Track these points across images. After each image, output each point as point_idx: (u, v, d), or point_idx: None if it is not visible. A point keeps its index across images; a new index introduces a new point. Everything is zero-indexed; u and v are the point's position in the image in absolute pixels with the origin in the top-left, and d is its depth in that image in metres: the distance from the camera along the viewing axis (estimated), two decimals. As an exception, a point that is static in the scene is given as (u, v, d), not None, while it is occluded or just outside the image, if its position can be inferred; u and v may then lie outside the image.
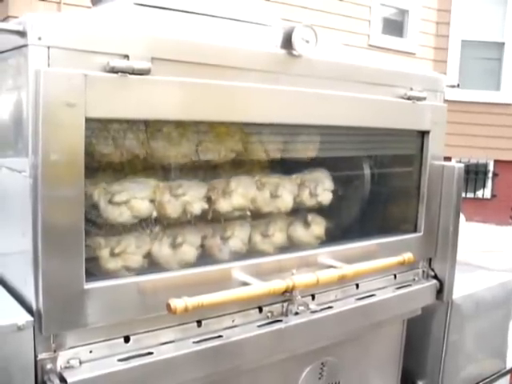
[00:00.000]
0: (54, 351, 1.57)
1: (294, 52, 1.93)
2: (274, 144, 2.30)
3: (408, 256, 2.33)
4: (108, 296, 1.64)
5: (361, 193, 2.68)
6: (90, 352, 1.65)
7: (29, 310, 1.55)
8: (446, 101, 2.59)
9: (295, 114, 2.01)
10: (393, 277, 2.52)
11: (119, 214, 1.84)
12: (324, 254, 2.19)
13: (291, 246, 2.35)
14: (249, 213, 2.22)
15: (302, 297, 2.04)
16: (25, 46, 1.44)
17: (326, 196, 2.46)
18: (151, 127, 1.92)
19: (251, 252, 2.22)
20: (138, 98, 1.60)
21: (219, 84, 1.77)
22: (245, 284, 1.87)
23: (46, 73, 1.44)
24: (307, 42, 1.93)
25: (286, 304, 2.05)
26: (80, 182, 1.52)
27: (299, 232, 2.37)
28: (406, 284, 2.56)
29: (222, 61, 1.80)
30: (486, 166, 11.22)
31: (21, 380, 1.49)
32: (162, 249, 1.97)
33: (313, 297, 2.18)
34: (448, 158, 9.79)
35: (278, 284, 1.89)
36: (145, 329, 1.75)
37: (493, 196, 11.24)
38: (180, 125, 1.95)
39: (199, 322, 1.86)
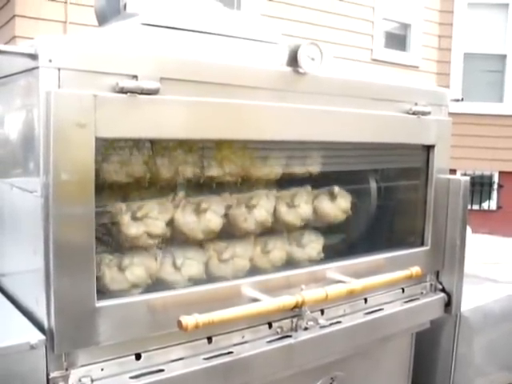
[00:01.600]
0: (66, 369, 1.58)
1: (300, 70, 1.95)
2: (281, 160, 2.32)
3: (416, 270, 2.34)
4: (119, 314, 1.65)
5: (368, 207, 2.69)
6: (102, 370, 1.66)
7: (41, 328, 1.56)
8: (449, 113, 2.61)
9: (302, 130, 2.03)
10: (401, 290, 2.53)
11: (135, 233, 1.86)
12: (332, 269, 2.19)
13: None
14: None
15: (311, 312, 2.05)
16: (36, 68, 1.46)
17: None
18: (160, 147, 1.94)
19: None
20: (147, 118, 1.62)
21: (227, 102, 1.79)
22: (254, 300, 1.88)
23: (57, 94, 1.46)
24: (313, 59, 1.95)
25: (295, 319, 2.05)
26: (90, 200, 1.54)
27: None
28: (413, 297, 2.57)
29: (230, 80, 1.82)
30: (490, 177, 11.20)
31: (33, 398, 1.50)
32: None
33: (322, 312, 2.18)
34: (453, 171, 9.80)
35: (287, 300, 1.90)
36: (156, 346, 1.76)
37: (498, 207, 11.21)
38: (189, 145, 1.97)
39: (209, 339, 1.87)
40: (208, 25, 2.24)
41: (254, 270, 2.20)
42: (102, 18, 2.58)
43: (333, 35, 8.54)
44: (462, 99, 2.72)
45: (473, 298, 2.99)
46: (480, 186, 11.15)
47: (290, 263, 2.33)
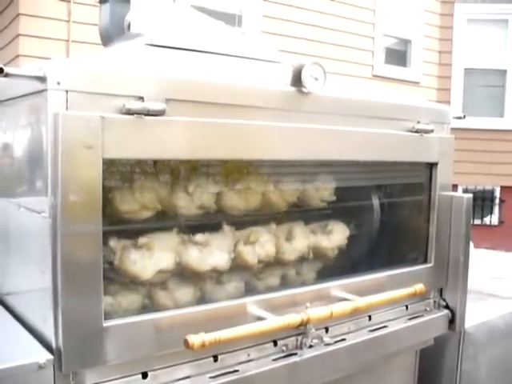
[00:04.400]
0: (74, 388, 1.59)
1: (304, 89, 1.97)
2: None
3: (419, 287, 2.34)
4: (126, 333, 1.65)
5: (371, 225, 2.71)
6: (109, 389, 1.66)
7: (48, 348, 1.57)
8: (450, 129, 2.63)
9: (306, 150, 2.04)
10: (404, 308, 2.53)
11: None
12: (337, 287, 2.20)
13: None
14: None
15: (316, 329, 2.05)
16: (44, 90, 1.48)
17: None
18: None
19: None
20: (153, 139, 1.64)
21: (232, 123, 1.81)
22: (259, 319, 1.89)
23: (65, 116, 1.48)
24: (316, 79, 1.97)
25: (300, 337, 2.06)
26: (98, 221, 1.55)
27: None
28: (417, 315, 2.57)
29: (234, 100, 1.84)
30: (492, 192, 11.21)
31: (41, 419, 1.51)
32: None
33: (326, 329, 2.18)
34: (454, 186, 9.77)
35: (292, 318, 1.90)
36: (162, 365, 1.76)
37: (500, 222, 11.21)
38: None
39: (215, 357, 1.87)
40: (212, 45, 2.27)
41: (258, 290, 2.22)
42: (107, 38, 2.61)
43: (334, 52, 8.61)
44: (465, 116, 2.74)
45: (477, 315, 2.99)
46: (481, 201, 11.16)
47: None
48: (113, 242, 1.85)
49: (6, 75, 1.44)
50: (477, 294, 3.44)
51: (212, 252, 2.03)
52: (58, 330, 1.54)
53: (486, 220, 11.23)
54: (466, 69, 10.89)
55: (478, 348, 2.94)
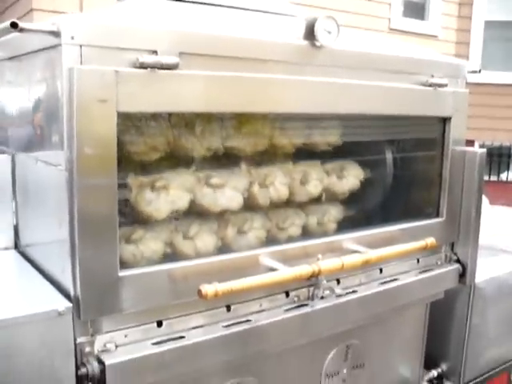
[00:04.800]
0: (92, 335, 1.65)
1: (317, 43, 1.97)
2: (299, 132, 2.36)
3: (430, 241, 2.37)
4: (141, 283, 1.71)
5: (384, 179, 2.73)
6: (125, 336, 1.72)
7: (67, 296, 1.63)
8: (467, 83, 2.61)
9: (320, 103, 2.05)
10: (416, 261, 2.57)
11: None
12: (348, 239, 2.24)
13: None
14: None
15: (328, 281, 2.10)
16: (58, 45, 1.50)
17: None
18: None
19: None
20: (167, 92, 1.65)
21: (245, 76, 1.82)
22: (272, 270, 1.93)
23: (79, 70, 1.50)
24: (329, 32, 1.97)
25: (311, 288, 2.11)
26: (113, 173, 1.59)
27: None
28: (428, 268, 2.61)
29: (248, 53, 1.85)
30: (509, 148, 11.12)
31: (63, 362, 1.57)
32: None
33: (338, 281, 2.23)
34: (471, 142, 9.71)
35: (304, 269, 1.95)
36: (176, 314, 1.82)
37: (517, 178, 11.17)
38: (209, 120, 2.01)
39: (228, 307, 1.93)
40: (227, -2, 2.26)
41: (271, 240, 2.26)
42: (121, -8, 2.60)
43: (350, 5, 8.47)
44: (480, 71, 2.72)
45: (488, 270, 3.01)
46: (498, 157, 11.09)
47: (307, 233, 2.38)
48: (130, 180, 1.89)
49: (21, 30, 1.46)
50: (489, 250, 3.45)
51: (225, 193, 2.07)
52: (75, 279, 1.60)
53: (503, 176, 11.17)
54: (486, 21, 10.67)
55: (488, 302, 2.97)
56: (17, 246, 2.13)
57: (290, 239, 2.32)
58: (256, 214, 2.24)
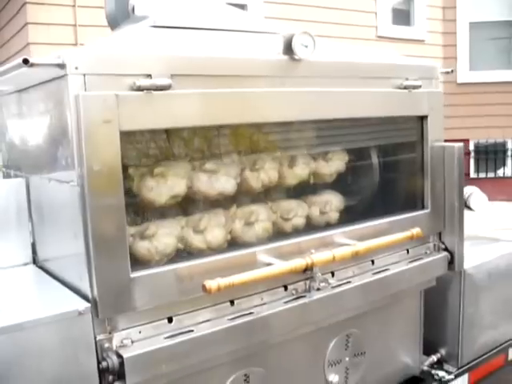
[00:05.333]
0: (110, 333, 1.85)
1: (296, 57, 2.18)
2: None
3: (416, 231, 2.55)
4: (151, 282, 1.90)
5: (371, 177, 2.92)
6: (140, 332, 1.91)
7: (86, 299, 1.82)
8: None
9: (302, 111, 2.26)
10: (405, 252, 2.75)
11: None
12: (339, 234, 2.43)
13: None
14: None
15: (323, 274, 2.29)
16: (65, 75, 1.71)
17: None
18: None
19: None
20: (162, 111, 1.86)
21: (232, 92, 2.03)
22: (269, 265, 2.12)
23: (84, 96, 1.71)
24: (306, 46, 2.17)
25: (308, 281, 2.29)
26: (119, 184, 1.79)
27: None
28: (418, 257, 2.79)
29: (233, 71, 2.06)
30: (504, 144, 11.29)
31: (86, 357, 1.77)
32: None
33: (332, 274, 2.41)
34: (465, 141, 9.82)
35: (298, 262, 2.14)
36: (185, 310, 2.01)
37: (514, 174, 11.32)
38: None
39: (232, 302, 2.12)
40: (210, 22, 2.47)
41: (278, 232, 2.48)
42: (114, 22, 2.81)
43: (337, 16, 8.71)
44: (452, 71, 2.92)
45: (477, 257, 3.18)
46: (494, 154, 11.25)
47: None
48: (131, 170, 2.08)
49: (31, 65, 1.66)
50: (480, 240, 3.63)
51: (219, 178, 2.26)
52: (92, 283, 1.79)
53: (500, 172, 11.33)
54: (470, 23, 10.89)
55: (479, 288, 3.11)
56: (35, 262, 2.33)
57: (296, 229, 2.52)
58: (261, 208, 2.44)
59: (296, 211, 2.54)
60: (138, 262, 2.01)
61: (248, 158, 2.40)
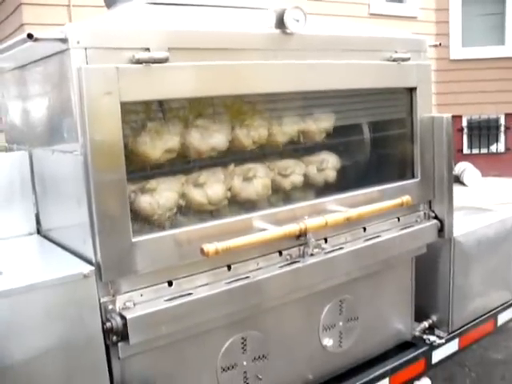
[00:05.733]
0: (113, 295, 1.94)
1: (287, 30, 2.25)
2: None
3: (406, 198, 2.65)
4: (152, 247, 1.99)
5: (363, 147, 3.01)
6: (141, 295, 2.01)
7: (90, 263, 1.92)
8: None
9: (294, 83, 2.34)
10: (397, 220, 2.85)
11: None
12: (332, 201, 2.52)
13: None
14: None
15: (316, 240, 2.39)
16: (67, 49, 1.79)
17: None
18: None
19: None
20: (160, 82, 1.95)
21: (227, 64, 2.12)
22: (264, 230, 2.21)
23: (86, 69, 1.79)
24: (297, 20, 2.25)
25: (302, 247, 2.39)
26: (121, 153, 1.88)
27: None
28: (409, 225, 2.89)
29: (228, 44, 2.14)
30: (497, 120, 11.36)
31: (91, 318, 1.87)
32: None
33: (325, 240, 2.51)
34: (458, 117, 9.90)
35: (292, 227, 2.24)
36: (184, 274, 2.11)
37: (507, 149, 11.39)
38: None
39: (229, 267, 2.22)
40: (204, -2, 2.54)
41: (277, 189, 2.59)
42: (109, 1, 2.87)
43: (330, -7, 8.73)
44: (440, 44, 3.00)
45: (467, 225, 3.28)
46: (487, 130, 11.33)
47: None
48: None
49: (36, 40, 1.74)
50: (470, 210, 3.73)
51: (211, 134, 2.34)
52: (96, 248, 1.89)
53: (493, 148, 11.42)
54: (463, -1, 10.93)
55: (469, 255, 3.22)
56: (39, 232, 2.42)
57: (295, 187, 2.63)
58: (258, 166, 2.54)
59: (293, 168, 2.64)
60: (140, 217, 2.11)
61: (238, 118, 2.48)
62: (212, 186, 2.33)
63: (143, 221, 2.13)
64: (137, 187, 2.15)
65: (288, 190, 2.65)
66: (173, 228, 2.12)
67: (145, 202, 2.15)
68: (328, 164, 2.78)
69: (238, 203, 2.46)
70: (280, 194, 2.64)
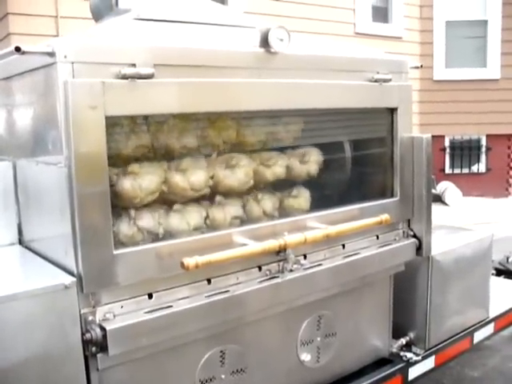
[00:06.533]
0: (93, 307, 1.96)
1: (272, 50, 2.30)
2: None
3: (385, 217, 2.70)
4: (132, 259, 2.02)
5: (344, 166, 3.06)
6: (122, 307, 2.03)
7: (71, 274, 1.93)
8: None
9: (277, 101, 2.39)
10: (375, 237, 2.89)
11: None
12: (312, 218, 2.56)
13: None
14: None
15: (295, 256, 2.42)
16: (54, 63, 1.82)
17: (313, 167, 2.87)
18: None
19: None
20: (146, 98, 1.98)
21: (211, 81, 2.16)
22: (244, 245, 2.25)
23: (73, 83, 1.82)
24: (281, 40, 2.30)
25: (281, 263, 2.42)
26: (104, 167, 1.91)
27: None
28: (387, 243, 2.93)
29: (212, 62, 2.19)
30: (478, 141, 11.54)
31: (71, 328, 1.88)
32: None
33: (305, 256, 2.55)
34: (441, 137, 10.04)
35: (272, 243, 2.27)
36: (164, 287, 2.13)
37: (488, 170, 11.57)
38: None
39: (209, 280, 2.24)
40: (192, 15, 2.58)
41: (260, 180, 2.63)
42: (97, 14, 2.92)
43: (315, 12, 8.85)
44: (422, 66, 3.06)
45: (444, 244, 3.33)
46: (468, 150, 11.51)
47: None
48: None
49: (23, 53, 1.77)
50: (450, 229, 3.79)
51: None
52: (77, 258, 1.91)
53: (474, 168, 11.57)
54: (447, 21, 11.12)
55: (446, 274, 3.27)
56: (20, 243, 2.43)
57: (277, 178, 2.69)
58: (241, 155, 2.57)
59: (276, 159, 2.68)
60: (122, 202, 2.15)
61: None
62: (195, 173, 2.36)
63: (125, 204, 2.16)
64: (118, 171, 2.18)
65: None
66: (154, 242, 2.14)
67: (126, 184, 2.17)
68: (310, 157, 2.84)
69: (220, 192, 2.50)
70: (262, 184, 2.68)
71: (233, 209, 2.55)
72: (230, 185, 2.50)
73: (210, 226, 2.46)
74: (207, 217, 2.46)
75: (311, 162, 2.83)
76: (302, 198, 2.81)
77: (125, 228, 2.20)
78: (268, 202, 2.69)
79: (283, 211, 2.77)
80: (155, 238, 2.25)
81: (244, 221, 2.58)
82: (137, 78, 1.94)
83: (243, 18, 2.80)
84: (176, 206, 2.37)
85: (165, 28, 2.40)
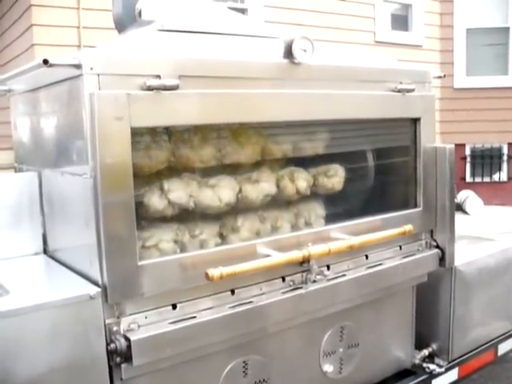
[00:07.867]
0: (118, 317, 1.97)
1: (295, 60, 2.31)
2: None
3: (408, 227, 2.68)
4: (157, 270, 2.03)
5: (367, 176, 3.05)
6: (146, 318, 2.04)
7: (96, 284, 1.94)
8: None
9: (301, 112, 2.39)
10: (398, 248, 2.87)
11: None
12: (336, 229, 2.55)
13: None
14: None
15: (319, 267, 2.41)
16: (80, 75, 1.84)
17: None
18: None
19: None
20: (170, 109, 1.99)
21: (235, 92, 2.17)
22: (268, 256, 2.24)
23: (99, 95, 1.84)
24: (305, 50, 2.30)
25: (305, 274, 2.42)
26: (130, 177, 1.92)
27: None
28: (411, 254, 2.91)
29: (237, 73, 2.20)
30: (500, 149, 11.42)
31: (96, 338, 1.89)
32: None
33: (328, 267, 2.53)
34: (461, 145, 9.96)
35: (295, 254, 2.27)
36: (188, 298, 2.13)
37: (509, 178, 11.44)
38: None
39: (233, 291, 2.24)
40: (216, 26, 2.60)
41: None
42: (121, 26, 2.94)
43: (337, 21, 8.83)
44: (444, 76, 3.05)
45: (468, 254, 3.30)
46: (490, 159, 11.38)
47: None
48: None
49: (51, 65, 1.79)
50: (471, 239, 3.75)
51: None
52: (102, 269, 1.92)
53: (495, 177, 11.46)
54: (468, 29, 11.04)
55: (469, 285, 3.24)
56: (45, 252, 2.45)
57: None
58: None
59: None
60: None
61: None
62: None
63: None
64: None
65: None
66: (178, 253, 2.15)
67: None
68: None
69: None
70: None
71: (266, 185, 2.56)
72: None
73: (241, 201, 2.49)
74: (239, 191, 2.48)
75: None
76: (336, 177, 2.83)
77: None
78: (302, 181, 2.70)
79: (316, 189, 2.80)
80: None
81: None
82: (162, 90, 1.95)
83: (265, 28, 2.81)
84: (211, 181, 2.40)
85: (188, 39, 2.41)
